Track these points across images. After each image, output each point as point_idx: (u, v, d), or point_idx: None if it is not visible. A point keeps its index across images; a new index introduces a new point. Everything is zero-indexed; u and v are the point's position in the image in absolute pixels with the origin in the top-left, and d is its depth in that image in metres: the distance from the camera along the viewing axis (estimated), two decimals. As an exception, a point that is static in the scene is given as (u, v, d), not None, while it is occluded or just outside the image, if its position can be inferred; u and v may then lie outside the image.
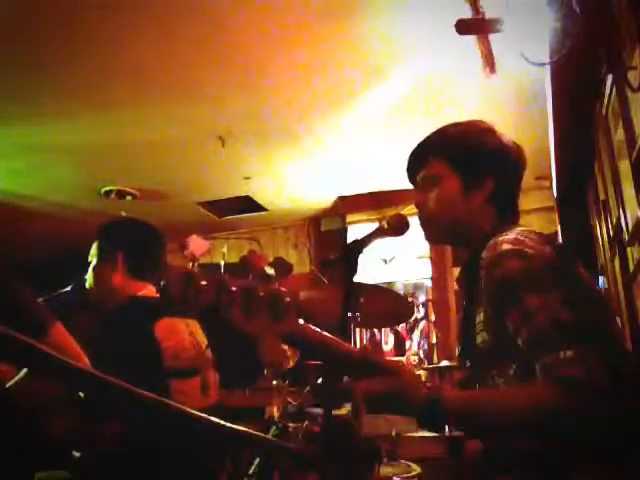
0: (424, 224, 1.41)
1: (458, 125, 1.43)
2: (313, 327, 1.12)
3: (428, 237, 1.43)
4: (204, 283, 0.92)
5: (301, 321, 1.08)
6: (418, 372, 4.65)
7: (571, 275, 1.13)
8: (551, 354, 0.99)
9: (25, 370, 1.12)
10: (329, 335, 1.14)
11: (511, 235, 1.16)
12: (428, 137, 1.43)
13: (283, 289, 1.01)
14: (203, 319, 2.14)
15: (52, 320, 1.56)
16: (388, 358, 1.26)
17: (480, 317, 1.20)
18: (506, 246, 1.13)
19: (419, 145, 1.43)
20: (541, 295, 1.04)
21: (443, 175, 1.37)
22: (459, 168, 1.36)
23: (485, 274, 1.16)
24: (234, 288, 0.95)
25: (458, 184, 1.35)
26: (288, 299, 1.00)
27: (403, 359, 4.91)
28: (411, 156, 1.44)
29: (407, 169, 1.46)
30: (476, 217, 1.34)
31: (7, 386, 1.10)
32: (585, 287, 1.15)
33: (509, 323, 1.08)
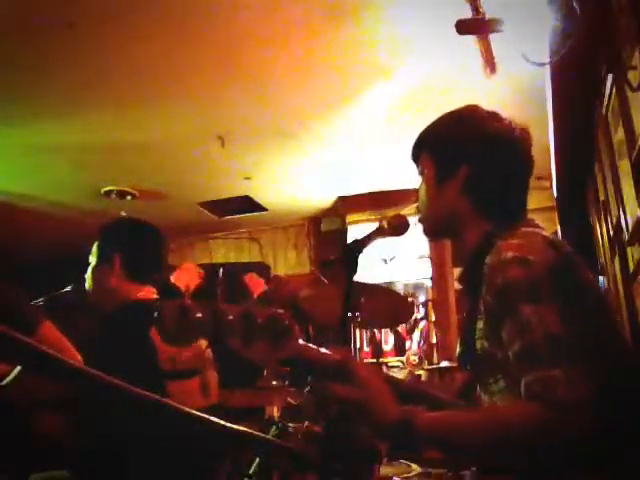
0: (419, 219, 1.41)
1: (445, 115, 1.39)
2: (312, 346, 1.10)
3: (423, 232, 1.42)
4: (199, 315, 0.90)
5: (301, 341, 1.06)
6: (418, 372, 4.66)
7: (574, 282, 1.10)
8: (538, 370, 0.97)
9: (19, 368, 1.12)
10: (329, 353, 1.12)
11: (515, 240, 1.13)
12: (419, 133, 1.42)
13: (282, 312, 0.99)
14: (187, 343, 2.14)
15: (41, 319, 1.56)
16: (364, 367, 1.22)
17: (480, 324, 1.18)
18: (509, 253, 1.09)
19: (415, 141, 1.43)
20: (537, 307, 1.02)
21: (425, 168, 1.37)
22: (433, 159, 1.34)
23: (487, 281, 1.13)
24: (231, 317, 0.93)
25: (432, 176, 1.34)
26: (287, 322, 0.98)
27: (403, 359, 4.91)
28: (411, 154, 1.44)
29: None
30: (454, 208, 1.31)
31: (3, 383, 1.09)
32: (588, 294, 1.13)
33: (504, 333, 1.06)
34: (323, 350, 1.11)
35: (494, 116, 1.33)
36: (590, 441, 0.93)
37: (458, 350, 1.35)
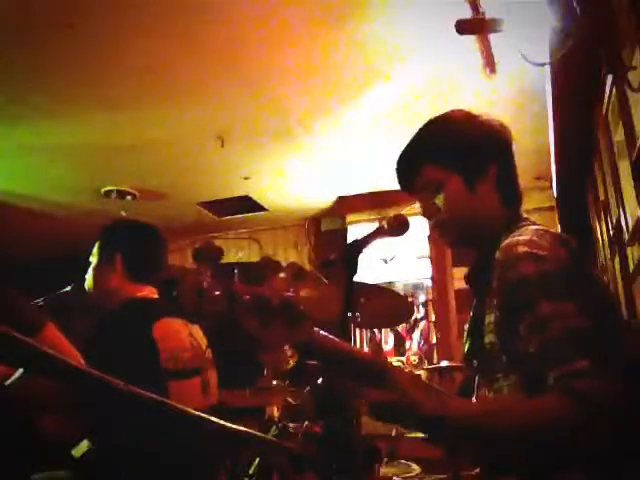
0: (441, 230, 1.35)
1: (435, 124, 1.38)
2: (329, 335, 1.10)
3: (448, 242, 1.38)
4: (218, 293, 0.91)
5: (317, 328, 1.07)
6: (418, 372, 4.66)
7: (585, 279, 1.11)
8: (564, 364, 0.97)
9: (21, 370, 1.12)
10: (345, 343, 1.12)
11: (526, 236, 1.13)
12: (410, 147, 1.38)
13: (297, 295, 0.99)
14: (203, 320, 2.14)
15: (44, 321, 1.55)
16: (397, 366, 1.22)
17: (490, 318, 1.18)
18: (521, 248, 1.10)
19: (403, 158, 1.39)
20: (555, 302, 1.02)
21: (442, 179, 1.31)
22: (455, 166, 1.31)
23: (498, 276, 1.13)
24: (247, 297, 0.93)
25: (460, 182, 1.30)
26: (302, 305, 0.98)
27: (403, 359, 4.91)
28: (399, 171, 1.40)
29: (399, 183, 1.41)
30: (489, 208, 1.30)
31: (6, 384, 1.09)
32: (597, 290, 1.14)
33: (521, 329, 1.06)
34: (337, 339, 1.11)
35: (480, 115, 1.36)
36: (618, 432, 0.93)
37: (466, 347, 1.34)
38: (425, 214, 1.36)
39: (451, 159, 1.31)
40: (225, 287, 0.92)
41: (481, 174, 1.30)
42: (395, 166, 1.41)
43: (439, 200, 1.32)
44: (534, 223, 1.26)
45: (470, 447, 1.15)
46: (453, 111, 1.39)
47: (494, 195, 1.30)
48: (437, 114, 1.39)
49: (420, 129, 1.38)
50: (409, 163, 1.38)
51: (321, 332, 1.09)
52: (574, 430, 0.95)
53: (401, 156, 1.40)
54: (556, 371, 0.98)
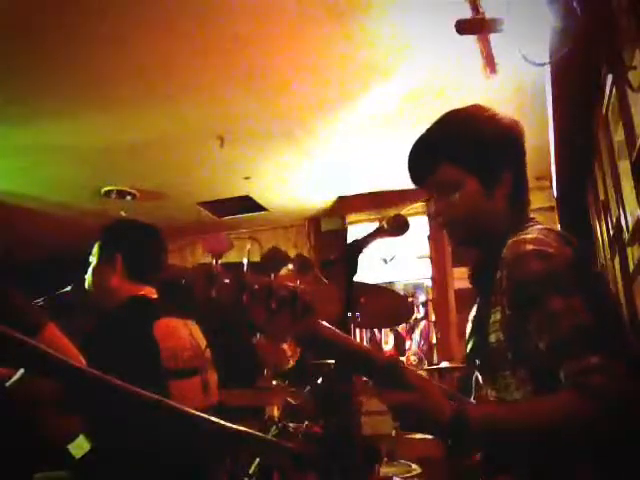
0: (451, 229, 1.35)
1: (456, 122, 1.34)
2: (334, 328, 1.11)
3: (455, 241, 1.38)
4: (227, 281, 0.92)
5: (325, 323, 1.07)
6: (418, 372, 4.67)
7: (589, 276, 1.13)
8: (576, 361, 0.98)
9: (22, 370, 1.12)
10: (351, 338, 1.13)
11: (532, 234, 1.14)
12: (427, 142, 1.34)
13: (304, 287, 1.00)
14: (202, 319, 2.14)
15: (45, 321, 1.55)
16: (414, 371, 1.21)
17: (496, 316, 1.19)
18: (528, 246, 1.11)
19: (419, 152, 1.35)
20: (564, 298, 1.04)
21: (459, 179, 1.29)
22: (473, 169, 1.29)
23: (506, 274, 1.14)
24: (256, 286, 0.95)
25: (478, 185, 1.28)
26: (308, 298, 0.99)
27: (403, 359, 4.91)
28: (413, 164, 1.36)
29: (411, 175, 1.38)
30: (500, 211, 1.30)
31: (7, 385, 1.09)
32: (600, 289, 1.15)
33: (531, 326, 1.07)
34: (342, 333, 1.12)
35: (498, 114, 1.33)
36: (625, 428, 0.94)
37: (469, 345, 1.34)
38: (436, 210, 1.36)
39: (472, 162, 1.29)
40: (235, 275, 0.92)
41: (499, 179, 1.29)
42: (409, 157, 1.36)
43: (454, 199, 1.31)
44: (540, 223, 1.28)
45: (483, 449, 1.15)
46: (474, 108, 1.36)
47: (506, 199, 1.31)
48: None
49: (440, 124, 1.35)
50: (425, 159, 1.34)
51: (325, 324, 1.10)
52: (587, 425, 0.96)
53: (416, 150, 1.35)
54: (567, 367, 0.99)
